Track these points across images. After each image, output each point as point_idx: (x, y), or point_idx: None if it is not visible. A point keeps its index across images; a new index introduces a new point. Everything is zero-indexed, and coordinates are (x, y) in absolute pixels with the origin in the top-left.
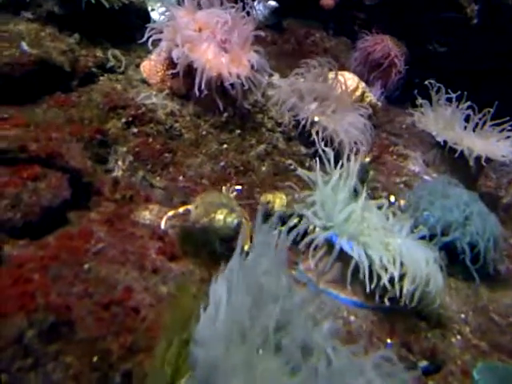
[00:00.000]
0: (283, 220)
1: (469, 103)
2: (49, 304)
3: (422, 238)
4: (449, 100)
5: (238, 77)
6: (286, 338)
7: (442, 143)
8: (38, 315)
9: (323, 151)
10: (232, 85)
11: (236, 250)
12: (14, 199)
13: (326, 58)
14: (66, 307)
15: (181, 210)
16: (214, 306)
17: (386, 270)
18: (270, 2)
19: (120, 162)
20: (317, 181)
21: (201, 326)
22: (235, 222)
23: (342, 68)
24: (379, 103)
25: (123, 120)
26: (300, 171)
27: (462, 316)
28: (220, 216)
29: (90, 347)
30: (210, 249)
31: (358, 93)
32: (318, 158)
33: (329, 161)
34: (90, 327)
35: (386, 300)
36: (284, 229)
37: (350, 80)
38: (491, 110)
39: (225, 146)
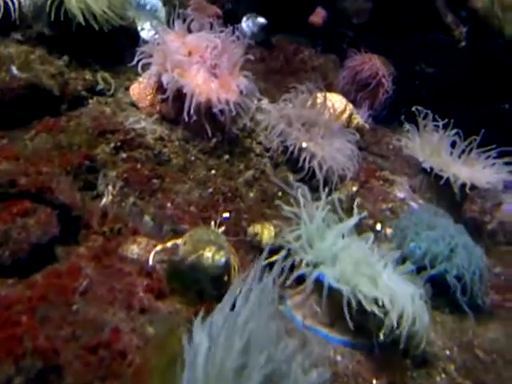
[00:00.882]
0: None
1: (455, 130)
2: (36, 348)
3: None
4: (436, 125)
5: (227, 102)
6: None
7: (428, 169)
8: (25, 361)
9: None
10: (221, 110)
11: (224, 298)
12: (4, 236)
13: (315, 75)
14: (54, 351)
15: (169, 244)
16: (198, 353)
17: (374, 308)
18: (258, 19)
19: (110, 187)
20: (302, 217)
21: (186, 372)
22: (223, 259)
23: (330, 86)
24: (366, 125)
25: (112, 145)
26: (286, 210)
27: (447, 353)
28: (208, 253)
29: None
30: (198, 287)
31: (346, 115)
32: (303, 188)
33: (304, 196)
34: (77, 372)
35: (372, 338)
36: (272, 272)
37: (337, 102)
38: (477, 138)
39: (213, 171)
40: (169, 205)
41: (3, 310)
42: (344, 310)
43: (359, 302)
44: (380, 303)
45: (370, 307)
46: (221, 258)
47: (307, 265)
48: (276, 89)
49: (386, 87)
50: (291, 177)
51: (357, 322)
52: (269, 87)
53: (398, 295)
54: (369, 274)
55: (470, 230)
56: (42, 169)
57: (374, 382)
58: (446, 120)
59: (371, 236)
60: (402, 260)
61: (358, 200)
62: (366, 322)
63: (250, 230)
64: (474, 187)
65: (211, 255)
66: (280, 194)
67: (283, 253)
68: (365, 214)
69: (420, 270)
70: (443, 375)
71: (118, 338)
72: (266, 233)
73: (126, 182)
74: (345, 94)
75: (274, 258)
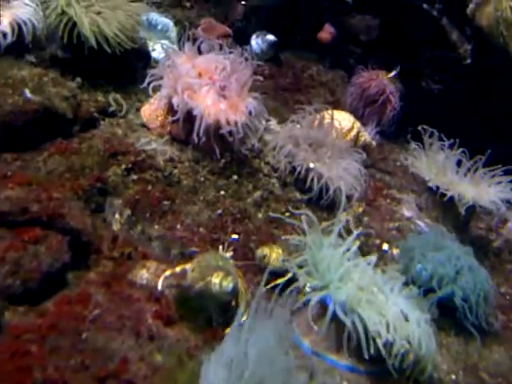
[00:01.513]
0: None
1: (461, 149)
2: (46, 379)
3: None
4: (442, 144)
5: (236, 123)
6: None
7: (434, 188)
8: None
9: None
10: (230, 131)
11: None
12: (15, 265)
13: (323, 91)
14: (63, 382)
15: (178, 269)
16: None
17: (380, 334)
18: (268, 36)
19: (117, 216)
20: (308, 243)
21: None
22: (231, 285)
23: (338, 102)
24: (374, 142)
25: (123, 167)
26: (291, 239)
27: (453, 377)
28: (216, 280)
29: None
30: (206, 313)
31: (353, 133)
32: (306, 213)
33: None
34: None
35: (378, 364)
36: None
37: (345, 120)
38: (482, 158)
39: (222, 192)
40: (178, 226)
41: (13, 339)
42: (344, 341)
43: (364, 328)
44: (385, 329)
45: (375, 333)
46: (228, 284)
47: (313, 289)
48: (285, 106)
49: (394, 103)
50: (299, 197)
51: (363, 348)
52: (277, 105)
53: (403, 320)
54: (374, 299)
55: (476, 247)
56: (54, 194)
57: None
58: (452, 140)
59: (374, 258)
60: (409, 282)
61: (365, 219)
62: (371, 348)
63: (259, 252)
64: (479, 206)
65: (219, 282)
66: (288, 214)
67: (289, 276)
68: (361, 230)
69: (426, 292)
70: None
71: (126, 367)
72: (273, 255)
73: (133, 209)
74: (352, 110)
75: (279, 281)
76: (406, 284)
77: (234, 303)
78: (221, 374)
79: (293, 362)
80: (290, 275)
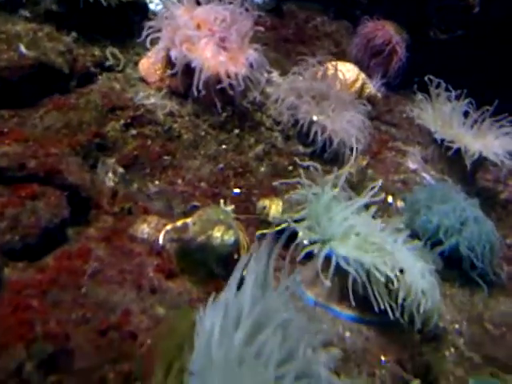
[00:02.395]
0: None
1: (468, 100)
2: (48, 333)
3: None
4: (448, 95)
5: (236, 76)
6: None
7: (439, 141)
8: (37, 346)
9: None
10: (230, 84)
11: (232, 276)
12: (13, 221)
13: (327, 42)
14: (65, 335)
15: (179, 223)
16: (207, 336)
17: (384, 282)
18: None
19: (110, 175)
20: (309, 196)
21: (196, 356)
22: (232, 239)
23: (343, 53)
24: (379, 94)
25: (122, 122)
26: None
27: (457, 326)
28: (217, 233)
29: (88, 377)
30: (208, 267)
31: (358, 84)
32: (313, 165)
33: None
34: (87, 356)
35: (381, 314)
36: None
37: (349, 71)
38: (490, 108)
39: (223, 146)
40: (179, 181)
41: (14, 294)
42: (347, 291)
43: (368, 278)
44: (389, 279)
45: (379, 281)
46: (230, 238)
47: (316, 242)
48: (287, 58)
49: (400, 54)
50: (302, 150)
51: (366, 297)
52: (280, 57)
53: (407, 271)
54: (378, 251)
55: (483, 199)
56: (51, 150)
57: (383, 358)
58: (459, 91)
59: (378, 209)
60: (413, 234)
61: (369, 171)
62: (374, 297)
63: (259, 204)
64: (485, 158)
65: (220, 235)
66: (291, 168)
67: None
68: (379, 198)
69: (433, 244)
70: (452, 349)
71: (128, 319)
72: (273, 207)
73: (131, 165)
74: (358, 62)
75: (281, 227)
76: (411, 236)
77: (236, 256)
78: (217, 319)
79: (293, 309)
80: (286, 225)
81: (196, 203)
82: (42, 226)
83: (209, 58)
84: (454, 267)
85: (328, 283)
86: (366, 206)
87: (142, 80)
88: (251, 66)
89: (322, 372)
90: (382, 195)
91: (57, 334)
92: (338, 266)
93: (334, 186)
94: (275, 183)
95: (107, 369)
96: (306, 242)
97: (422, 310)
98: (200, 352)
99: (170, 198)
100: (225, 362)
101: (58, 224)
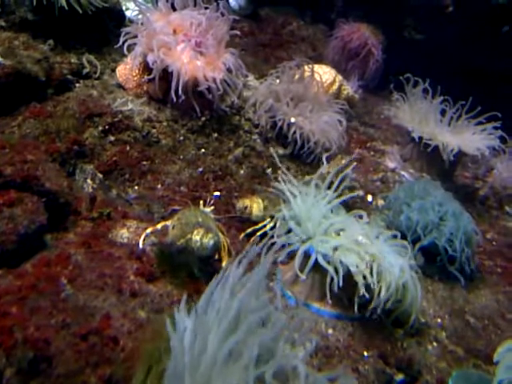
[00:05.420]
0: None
1: (443, 97)
2: (27, 339)
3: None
4: (425, 92)
5: (214, 80)
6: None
7: (417, 138)
8: (16, 352)
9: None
10: (208, 88)
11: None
12: None
13: (304, 46)
14: (45, 341)
15: (159, 226)
16: (180, 338)
17: (364, 279)
18: None
19: (89, 181)
20: (288, 198)
21: (172, 359)
22: (211, 242)
23: (320, 57)
24: (356, 95)
25: (100, 128)
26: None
27: (439, 321)
28: (197, 237)
29: (69, 382)
30: (188, 269)
31: (335, 86)
32: (286, 169)
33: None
34: (68, 360)
35: (363, 310)
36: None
37: (326, 74)
38: (465, 104)
39: (202, 150)
40: (159, 186)
41: None
42: (327, 287)
43: (349, 275)
44: (369, 275)
45: (358, 279)
46: (209, 241)
47: (297, 241)
48: (266, 63)
49: (376, 56)
50: (281, 152)
51: (347, 294)
52: (258, 61)
53: (386, 267)
54: (357, 248)
55: (462, 196)
56: (28, 157)
57: (365, 353)
58: (435, 89)
59: (361, 212)
60: (396, 232)
61: (349, 171)
62: (355, 294)
63: (240, 204)
64: (463, 154)
65: (199, 238)
66: (270, 169)
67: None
68: (356, 194)
69: (414, 241)
70: (435, 343)
71: (108, 323)
72: (255, 206)
73: (111, 171)
74: (335, 65)
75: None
76: (394, 236)
77: (216, 257)
78: (189, 322)
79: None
80: (269, 225)
81: (176, 207)
82: (20, 233)
83: (186, 62)
84: (435, 262)
85: (304, 277)
86: (347, 206)
87: (120, 86)
88: (229, 70)
89: (300, 367)
90: (361, 192)
91: (37, 340)
92: (319, 264)
93: (314, 185)
94: (255, 186)
95: (88, 373)
96: (279, 241)
97: (403, 306)
98: (174, 355)
99: (150, 203)
100: (197, 364)
101: (36, 230)
